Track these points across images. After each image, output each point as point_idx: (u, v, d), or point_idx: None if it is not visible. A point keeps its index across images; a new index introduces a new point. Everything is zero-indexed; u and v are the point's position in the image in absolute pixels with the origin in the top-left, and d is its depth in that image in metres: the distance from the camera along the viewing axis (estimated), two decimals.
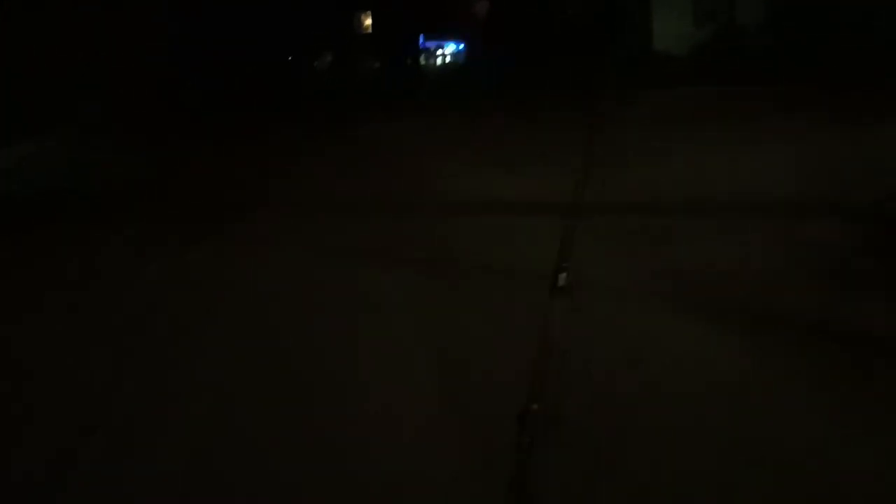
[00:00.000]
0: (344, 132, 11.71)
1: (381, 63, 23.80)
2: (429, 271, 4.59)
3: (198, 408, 2.96)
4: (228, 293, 4.40)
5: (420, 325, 3.64)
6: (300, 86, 18.01)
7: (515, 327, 3.43)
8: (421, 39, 24.56)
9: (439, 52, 24.81)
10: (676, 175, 6.65)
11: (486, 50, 21.48)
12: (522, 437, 2.31)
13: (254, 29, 20.37)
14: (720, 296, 3.80)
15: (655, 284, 3.99)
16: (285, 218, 6.43)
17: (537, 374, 2.75)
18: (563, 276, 3.45)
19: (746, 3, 18.66)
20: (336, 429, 2.74)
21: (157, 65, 18.05)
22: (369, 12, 25.44)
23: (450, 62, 24.50)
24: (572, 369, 2.92)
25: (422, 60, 24.32)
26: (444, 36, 24.54)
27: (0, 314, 4.36)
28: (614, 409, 2.72)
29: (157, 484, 2.49)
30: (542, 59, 17.81)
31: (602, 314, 3.57)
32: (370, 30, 25.62)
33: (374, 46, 24.36)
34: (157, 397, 3.09)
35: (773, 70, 14.34)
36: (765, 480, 2.30)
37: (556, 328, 3.11)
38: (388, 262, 4.77)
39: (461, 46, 24.51)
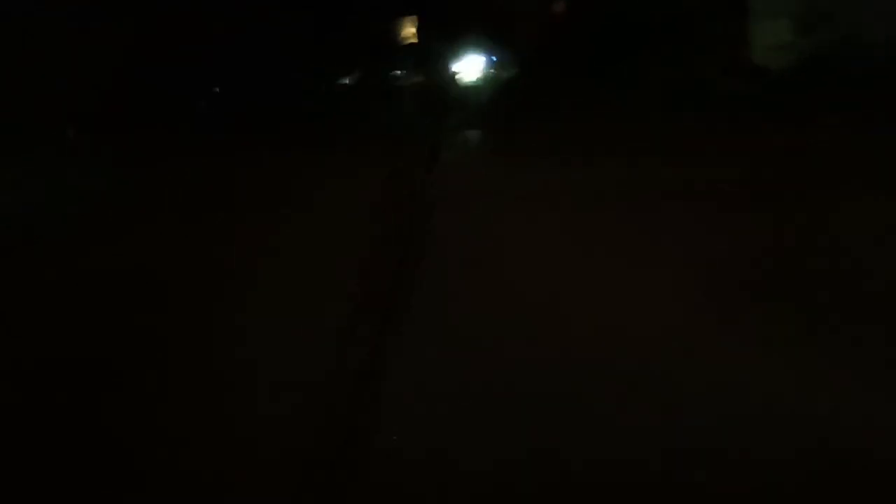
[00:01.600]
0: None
1: (425, 77, 20.63)
2: None
3: None
4: None
5: None
6: (304, 107, 15.18)
7: None
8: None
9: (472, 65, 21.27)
10: None
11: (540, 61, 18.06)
12: None
13: (272, 43, 17.64)
14: None
15: None
16: None
17: None
18: None
19: (871, 5, 14.76)
20: None
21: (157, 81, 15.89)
22: (415, 18, 22.34)
23: (488, 77, 20.93)
24: None
25: (459, 75, 20.86)
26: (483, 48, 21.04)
27: None
28: None
29: None
30: (596, 73, 14.38)
31: None
32: (415, 39, 22.50)
33: (416, 59, 21.21)
34: None
35: None
36: None
37: None
38: None
39: (493, 59, 21.00)
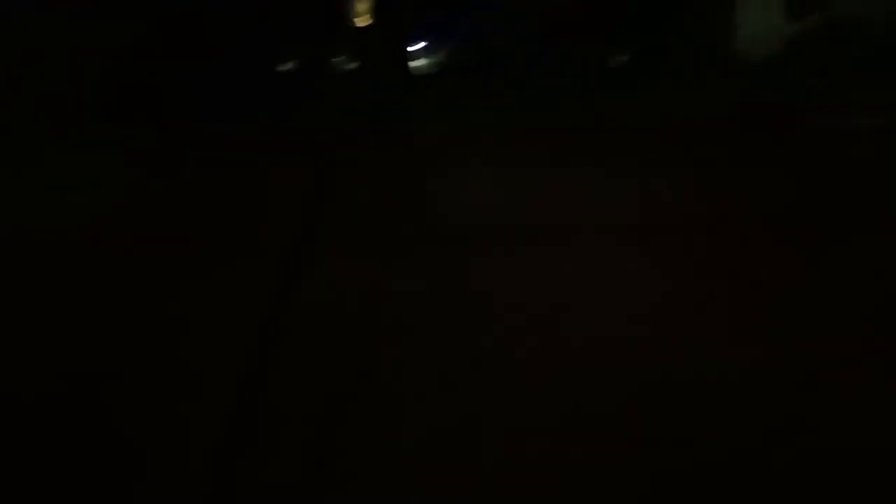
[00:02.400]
0: None
1: (376, 63, 18.80)
2: None
3: None
4: None
5: None
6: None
7: None
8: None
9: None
10: None
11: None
12: None
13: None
14: None
15: None
16: None
17: None
18: None
19: None
20: None
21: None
22: None
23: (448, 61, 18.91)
24: None
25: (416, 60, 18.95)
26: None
27: None
28: None
29: None
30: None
31: None
32: (370, 19, 20.50)
33: (369, 43, 19.32)
34: None
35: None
36: None
37: None
38: None
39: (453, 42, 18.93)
